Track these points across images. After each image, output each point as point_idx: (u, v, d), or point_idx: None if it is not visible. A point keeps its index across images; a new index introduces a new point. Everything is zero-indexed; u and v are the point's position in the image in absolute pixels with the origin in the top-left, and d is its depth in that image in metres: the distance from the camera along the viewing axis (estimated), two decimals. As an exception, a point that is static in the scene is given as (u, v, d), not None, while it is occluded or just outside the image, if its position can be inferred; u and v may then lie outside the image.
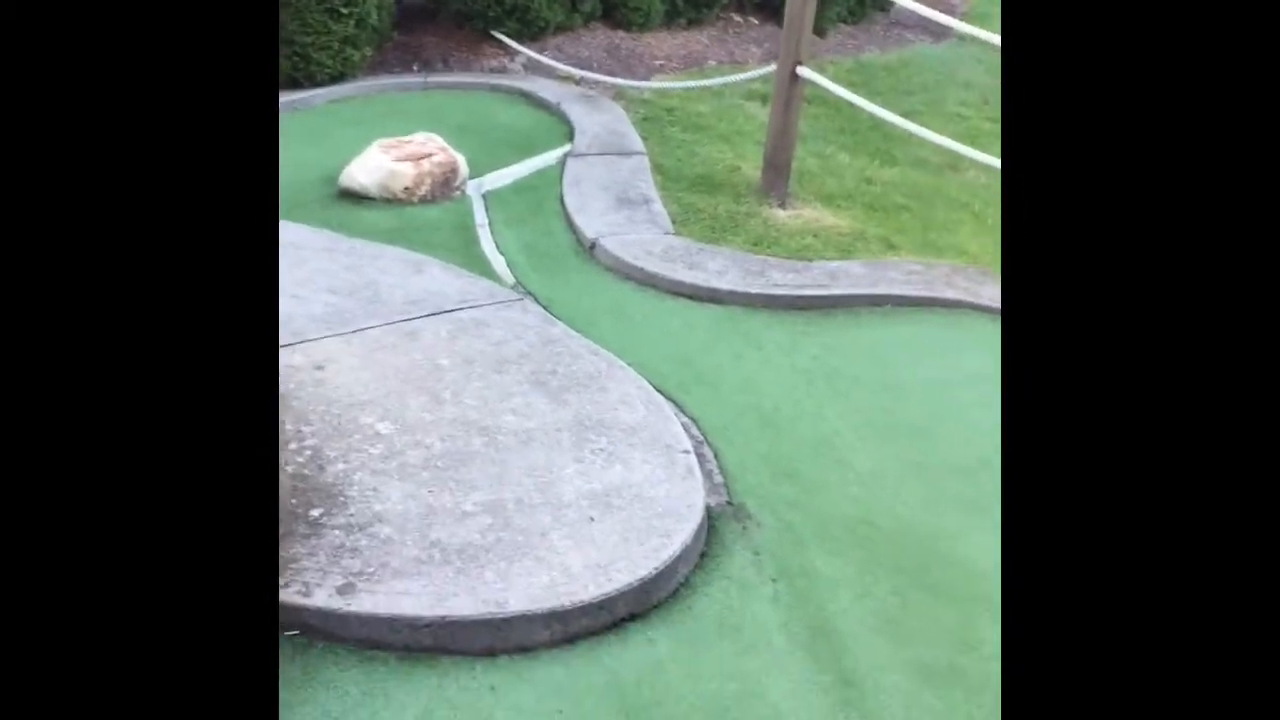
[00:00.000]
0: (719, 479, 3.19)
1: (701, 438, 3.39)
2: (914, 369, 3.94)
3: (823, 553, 2.89)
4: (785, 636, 2.59)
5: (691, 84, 6.94)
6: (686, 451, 3.14)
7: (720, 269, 4.56)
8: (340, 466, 2.92)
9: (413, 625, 2.44)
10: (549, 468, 3.00)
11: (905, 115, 5.31)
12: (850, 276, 4.60)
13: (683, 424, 3.36)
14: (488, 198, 5.34)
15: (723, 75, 7.09)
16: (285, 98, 6.35)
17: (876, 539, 2.97)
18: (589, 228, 4.91)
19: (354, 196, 5.10)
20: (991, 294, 4.51)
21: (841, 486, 3.20)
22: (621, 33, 8.03)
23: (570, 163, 5.74)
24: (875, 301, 4.44)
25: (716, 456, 3.31)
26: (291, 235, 4.41)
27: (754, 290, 4.40)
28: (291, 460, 2.93)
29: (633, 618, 2.61)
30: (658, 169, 5.78)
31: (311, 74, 6.63)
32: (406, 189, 5.11)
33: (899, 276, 4.63)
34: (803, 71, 5.07)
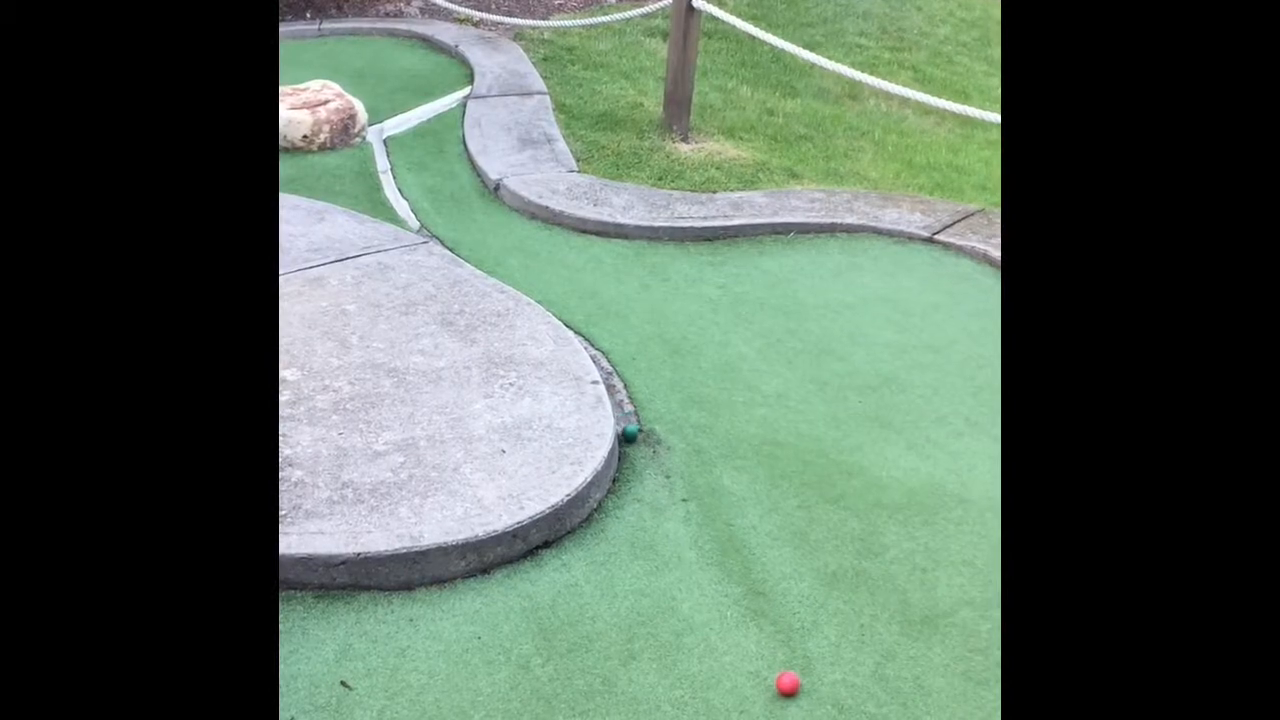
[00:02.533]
0: (629, 407, 3.25)
1: (611, 369, 3.44)
2: (817, 293, 4.02)
3: (731, 472, 2.97)
4: (696, 553, 2.67)
5: (591, 21, 6.89)
6: (596, 382, 3.18)
7: (625, 204, 4.58)
8: (247, 414, 2.91)
9: (328, 563, 2.47)
10: (459, 404, 3.02)
11: (805, 47, 5.35)
12: (753, 206, 4.65)
13: (592, 356, 3.40)
14: (389, 143, 5.28)
15: (622, 12, 7.05)
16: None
17: (783, 456, 3.05)
18: (492, 169, 4.88)
19: (250, 147, 4.99)
20: (892, 218, 4.61)
21: (748, 408, 3.27)
22: (519, -28, 7.92)
23: (471, 105, 5.69)
24: (778, 230, 4.51)
25: (626, 386, 3.36)
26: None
27: (659, 224, 4.43)
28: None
29: (547, 544, 2.66)
30: (560, 108, 5.75)
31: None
32: (305, 137, 5.03)
33: (801, 204, 4.70)
34: (698, 4, 5.08)
